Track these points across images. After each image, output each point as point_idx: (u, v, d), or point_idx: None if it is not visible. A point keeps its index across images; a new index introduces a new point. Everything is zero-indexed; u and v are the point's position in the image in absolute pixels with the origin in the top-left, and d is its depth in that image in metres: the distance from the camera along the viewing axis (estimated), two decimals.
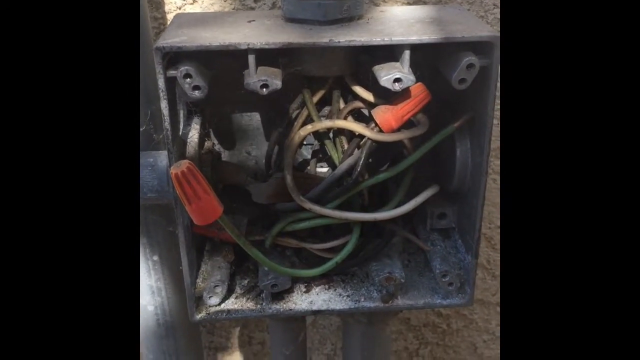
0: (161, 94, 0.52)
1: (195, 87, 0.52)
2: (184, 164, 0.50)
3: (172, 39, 0.52)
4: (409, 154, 0.61)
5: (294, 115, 0.63)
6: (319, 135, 0.65)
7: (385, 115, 0.58)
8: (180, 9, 0.73)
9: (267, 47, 0.52)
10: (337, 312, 0.66)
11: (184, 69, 0.51)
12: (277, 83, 0.53)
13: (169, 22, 0.74)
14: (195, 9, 0.73)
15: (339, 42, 0.52)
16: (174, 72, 0.52)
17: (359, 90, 0.61)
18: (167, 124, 0.54)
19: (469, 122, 0.60)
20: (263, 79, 0.53)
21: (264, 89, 0.53)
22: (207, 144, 0.65)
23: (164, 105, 0.53)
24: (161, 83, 0.52)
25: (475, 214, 0.61)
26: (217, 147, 0.69)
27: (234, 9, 0.74)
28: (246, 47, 0.51)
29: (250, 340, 1.06)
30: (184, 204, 0.51)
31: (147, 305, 0.79)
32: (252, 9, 0.74)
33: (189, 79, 0.52)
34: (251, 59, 0.52)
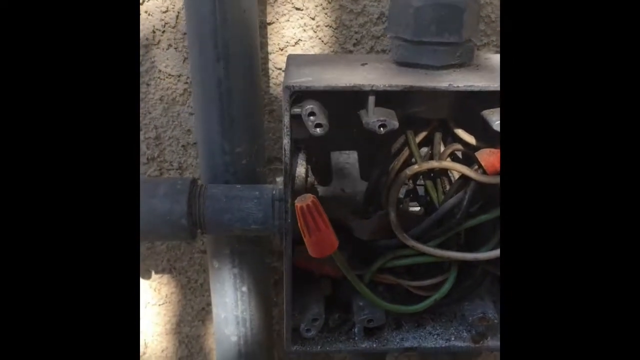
0: (285, 130, 0.55)
1: (318, 125, 0.54)
2: (309, 197, 0.52)
3: (299, 79, 0.54)
4: None
5: (394, 155, 0.65)
6: (416, 175, 0.67)
7: (490, 158, 0.60)
8: (282, 50, 0.76)
9: (389, 89, 0.54)
10: (429, 350, 0.67)
11: (309, 107, 0.54)
12: (394, 123, 0.55)
13: (270, 63, 0.78)
14: (297, 50, 0.76)
15: (457, 86, 0.54)
16: (298, 110, 0.54)
17: (461, 133, 0.64)
18: (287, 158, 0.56)
19: None
20: (382, 119, 0.55)
21: (382, 129, 0.55)
22: (310, 179, 0.67)
23: (286, 141, 0.55)
24: (286, 120, 0.54)
25: None
26: (316, 183, 0.72)
27: (333, 51, 0.77)
28: (370, 88, 0.54)
29: None
30: (304, 236, 0.53)
31: (230, 336, 0.81)
32: (351, 52, 0.77)
33: (312, 117, 0.54)
34: (371, 99, 0.55)
